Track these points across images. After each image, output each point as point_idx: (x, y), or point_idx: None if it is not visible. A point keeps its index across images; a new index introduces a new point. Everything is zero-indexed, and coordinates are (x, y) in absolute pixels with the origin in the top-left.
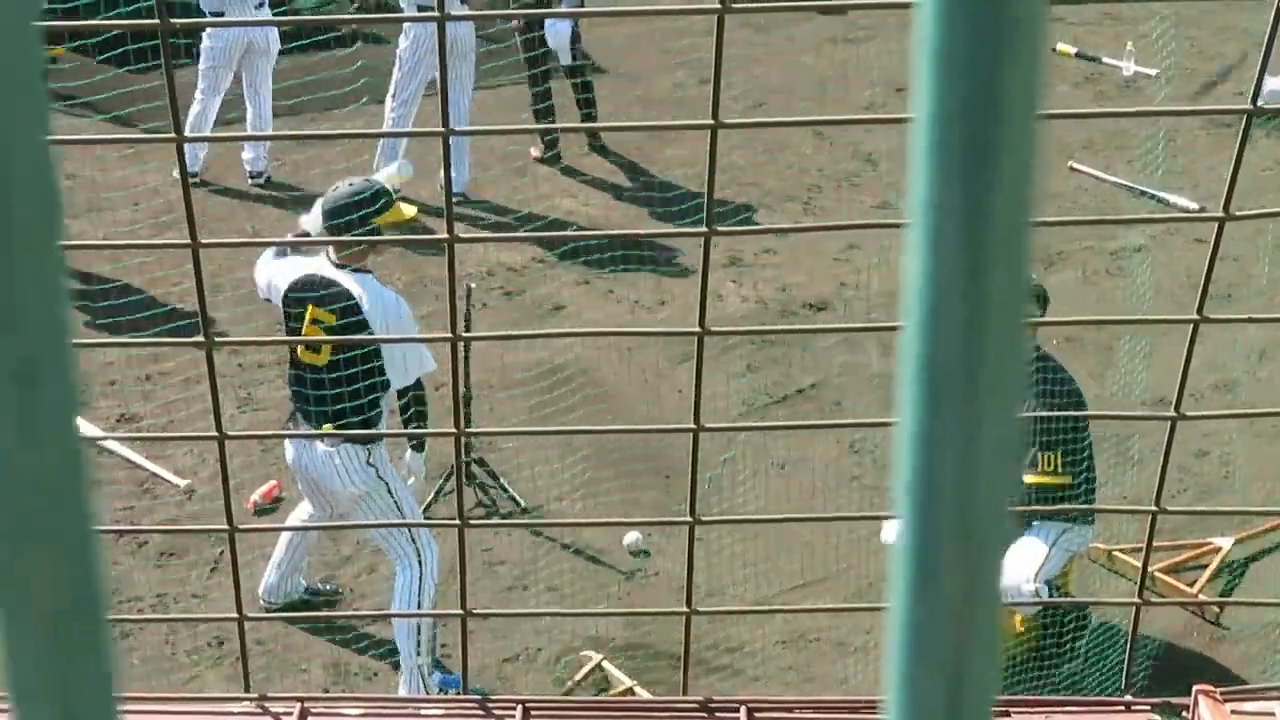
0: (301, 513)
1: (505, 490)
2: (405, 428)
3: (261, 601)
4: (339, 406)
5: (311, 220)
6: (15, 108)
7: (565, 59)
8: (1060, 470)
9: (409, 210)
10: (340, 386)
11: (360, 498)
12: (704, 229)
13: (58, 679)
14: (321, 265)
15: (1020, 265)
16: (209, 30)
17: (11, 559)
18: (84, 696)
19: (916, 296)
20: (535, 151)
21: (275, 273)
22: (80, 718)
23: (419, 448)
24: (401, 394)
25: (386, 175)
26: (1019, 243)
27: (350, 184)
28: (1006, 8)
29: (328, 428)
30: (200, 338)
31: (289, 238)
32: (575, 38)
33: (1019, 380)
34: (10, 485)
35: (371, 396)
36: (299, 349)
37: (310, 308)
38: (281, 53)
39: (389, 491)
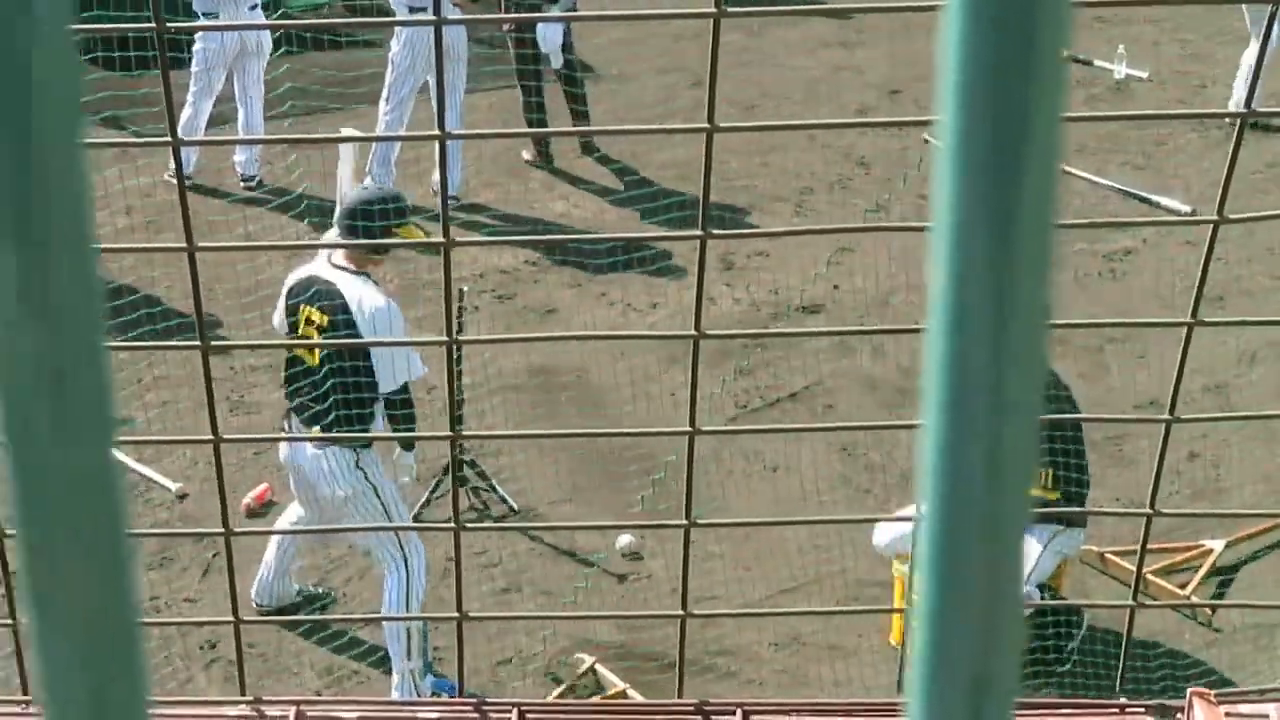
0: (291, 514)
1: (497, 492)
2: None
3: (254, 603)
4: (329, 408)
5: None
6: (52, 114)
7: (557, 62)
8: (1050, 486)
9: (420, 234)
10: (330, 387)
11: (348, 500)
12: (699, 232)
13: (90, 685)
14: (319, 266)
15: (1044, 269)
16: (201, 32)
17: (44, 564)
18: (115, 703)
19: (942, 300)
20: (528, 154)
21: (288, 279)
22: None
23: (409, 447)
24: (388, 400)
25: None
26: (1043, 247)
27: (380, 188)
28: (1030, 13)
29: (316, 430)
30: (197, 341)
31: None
32: (567, 42)
33: (1040, 382)
34: (43, 487)
35: (360, 397)
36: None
37: (304, 308)
38: (273, 55)
39: (376, 495)
